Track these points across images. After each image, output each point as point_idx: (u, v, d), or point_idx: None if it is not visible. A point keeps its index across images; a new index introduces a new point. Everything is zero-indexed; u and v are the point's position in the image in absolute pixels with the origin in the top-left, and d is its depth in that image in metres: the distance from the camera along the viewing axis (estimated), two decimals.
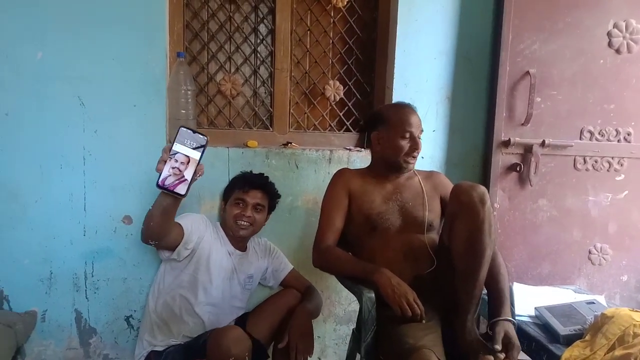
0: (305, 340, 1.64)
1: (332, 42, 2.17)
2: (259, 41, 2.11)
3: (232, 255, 1.81)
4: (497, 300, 1.46)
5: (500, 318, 1.41)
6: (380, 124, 1.70)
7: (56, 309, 1.91)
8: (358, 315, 1.71)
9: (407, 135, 1.64)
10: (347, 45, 2.17)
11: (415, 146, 1.65)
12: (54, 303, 1.90)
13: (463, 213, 1.42)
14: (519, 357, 1.39)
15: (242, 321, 1.80)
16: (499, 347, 1.35)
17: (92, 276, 1.91)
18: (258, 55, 2.12)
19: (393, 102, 2.07)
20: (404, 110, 1.69)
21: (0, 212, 1.82)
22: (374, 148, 1.74)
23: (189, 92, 1.90)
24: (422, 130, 1.68)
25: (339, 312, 2.15)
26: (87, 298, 1.92)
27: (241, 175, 1.88)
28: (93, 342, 1.96)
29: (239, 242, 1.85)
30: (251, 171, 1.91)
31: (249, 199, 1.79)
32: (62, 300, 1.90)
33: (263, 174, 1.90)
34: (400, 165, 1.67)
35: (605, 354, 1.45)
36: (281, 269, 1.93)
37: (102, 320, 1.94)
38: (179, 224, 1.65)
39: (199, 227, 1.74)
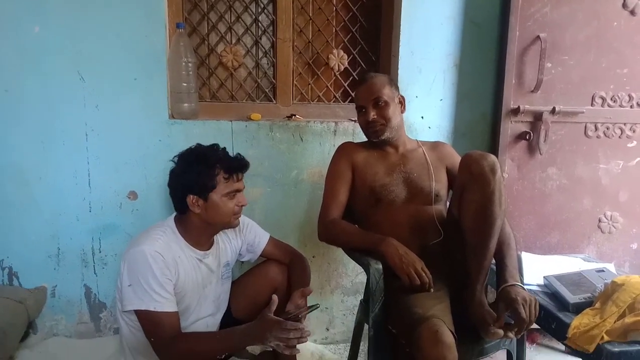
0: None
1: (336, 9, 2.10)
2: (260, 10, 2.05)
3: (203, 261, 1.51)
4: (505, 269, 1.45)
5: (509, 283, 1.39)
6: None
7: (65, 284, 1.92)
8: (366, 286, 1.71)
9: (362, 110, 1.65)
10: (351, 13, 2.10)
11: (367, 118, 1.63)
12: (63, 279, 1.92)
13: (473, 183, 1.39)
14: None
15: None
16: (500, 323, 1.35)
17: (100, 252, 1.92)
18: (259, 24, 2.06)
19: (399, 71, 2.02)
20: (358, 85, 1.69)
21: (6, 189, 1.82)
22: None
23: (190, 65, 1.86)
24: (377, 97, 1.61)
25: (346, 283, 2.15)
26: (95, 273, 1.94)
27: (215, 160, 1.43)
28: (103, 316, 1.98)
29: (205, 239, 1.53)
30: (216, 148, 1.49)
31: (240, 185, 1.49)
32: (71, 275, 1.92)
33: (223, 148, 1.49)
34: (370, 138, 1.68)
35: (615, 322, 1.44)
36: (256, 243, 1.68)
37: (111, 295, 1.95)
38: (177, 315, 1.40)
39: (172, 284, 1.40)
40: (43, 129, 1.80)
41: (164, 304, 1.35)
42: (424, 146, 1.73)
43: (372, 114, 1.61)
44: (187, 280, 1.45)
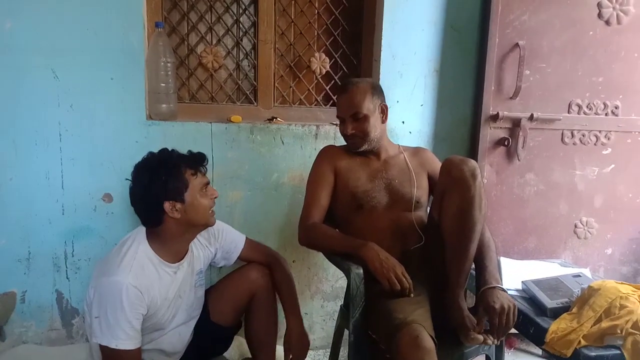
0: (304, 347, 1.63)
1: (318, 12, 2.09)
2: (241, 11, 2.03)
3: (177, 273, 1.47)
4: (485, 270, 1.45)
5: (489, 285, 1.40)
6: None
7: (36, 289, 1.86)
8: (346, 292, 1.70)
9: (341, 120, 1.64)
10: (333, 16, 2.10)
11: (345, 131, 1.62)
12: (34, 284, 1.85)
13: (454, 187, 1.39)
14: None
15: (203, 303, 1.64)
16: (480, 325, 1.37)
17: (73, 256, 1.86)
18: (240, 26, 2.04)
19: (380, 75, 2.02)
20: (339, 93, 1.66)
21: None
22: None
23: (169, 65, 1.83)
24: (356, 112, 1.58)
25: (326, 288, 2.13)
26: (67, 278, 1.87)
27: (177, 160, 1.41)
28: (75, 322, 1.92)
29: (182, 247, 1.49)
30: (167, 150, 1.45)
31: (207, 178, 1.46)
32: (42, 280, 1.85)
33: (172, 149, 1.46)
34: (349, 148, 1.67)
35: (592, 326, 1.46)
36: (232, 249, 1.64)
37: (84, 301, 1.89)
38: (139, 352, 1.36)
39: (142, 317, 1.36)
40: (14, 128, 1.74)
41: (126, 342, 1.31)
42: (405, 152, 1.73)
43: (350, 128, 1.60)
44: (160, 299, 1.41)
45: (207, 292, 1.66)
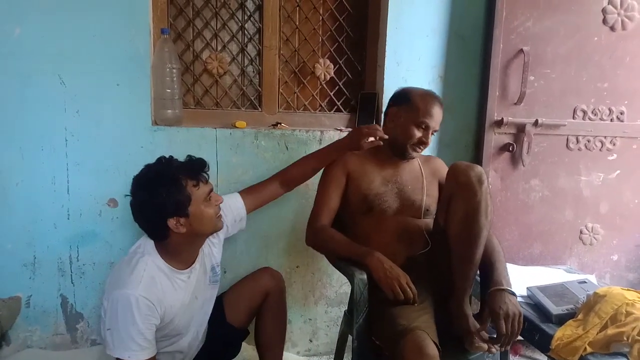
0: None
1: (322, 18, 2.10)
2: (246, 17, 2.04)
3: (190, 277, 1.46)
4: (495, 271, 1.43)
5: (498, 287, 1.38)
6: (404, 101, 1.63)
7: (41, 294, 1.86)
8: (350, 297, 1.69)
9: (423, 125, 1.58)
10: (338, 22, 2.10)
11: (424, 139, 1.59)
12: (39, 288, 1.86)
13: (460, 193, 1.39)
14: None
15: (218, 305, 1.65)
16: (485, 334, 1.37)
17: (78, 260, 1.87)
18: (245, 32, 2.05)
19: (384, 81, 2.03)
20: (432, 100, 1.61)
21: None
22: (387, 124, 1.68)
23: (174, 71, 1.84)
24: (437, 129, 1.63)
25: (330, 294, 2.13)
26: (72, 283, 1.88)
27: (177, 172, 1.34)
28: (80, 327, 1.92)
29: (192, 254, 1.48)
30: (165, 160, 1.38)
31: (210, 186, 1.41)
32: (47, 285, 1.86)
33: (170, 156, 1.40)
34: (404, 150, 1.62)
35: (597, 333, 1.45)
36: (237, 210, 1.62)
37: (89, 305, 1.90)
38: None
39: (155, 327, 1.35)
40: (21, 134, 1.75)
41: (139, 353, 1.31)
42: (419, 158, 1.71)
43: (429, 139, 1.60)
44: (175, 306, 1.41)
45: (223, 295, 1.69)
